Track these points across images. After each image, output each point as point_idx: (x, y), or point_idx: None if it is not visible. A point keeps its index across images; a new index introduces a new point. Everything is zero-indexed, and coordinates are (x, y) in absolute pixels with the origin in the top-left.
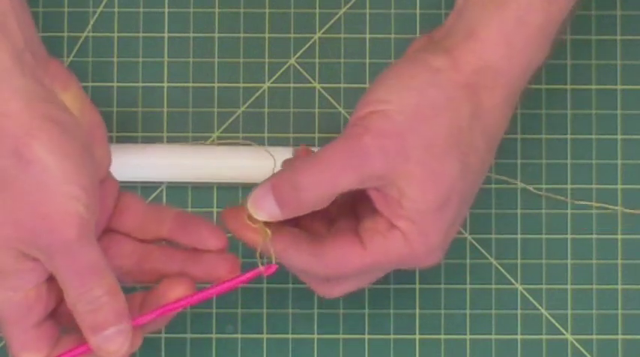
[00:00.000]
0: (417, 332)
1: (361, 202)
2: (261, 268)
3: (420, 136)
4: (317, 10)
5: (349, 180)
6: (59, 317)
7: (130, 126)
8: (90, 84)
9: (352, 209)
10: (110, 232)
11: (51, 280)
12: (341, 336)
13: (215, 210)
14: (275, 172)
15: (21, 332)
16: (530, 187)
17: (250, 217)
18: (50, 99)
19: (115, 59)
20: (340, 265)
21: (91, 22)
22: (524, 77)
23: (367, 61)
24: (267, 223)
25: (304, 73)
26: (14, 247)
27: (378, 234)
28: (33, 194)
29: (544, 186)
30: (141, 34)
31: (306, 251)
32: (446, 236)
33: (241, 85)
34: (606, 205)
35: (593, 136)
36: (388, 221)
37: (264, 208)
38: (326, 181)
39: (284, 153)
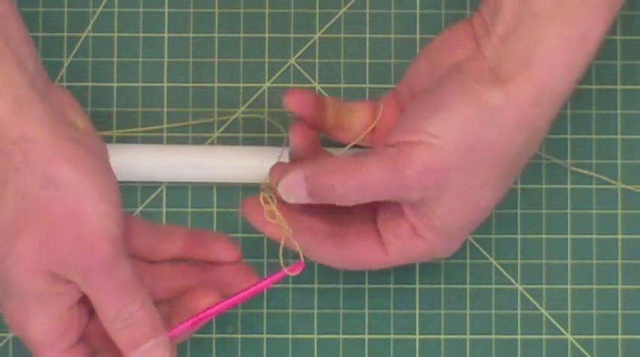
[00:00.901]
0: (417, 332)
1: None
2: (285, 270)
3: (465, 172)
4: (317, 10)
5: (383, 197)
6: (87, 340)
7: (129, 126)
8: (90, 84)
9: None
10: None
11: (80, 302)
12: (341, 336)
13: (215, 210)
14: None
15: None
16: (630, 187)
17: (269, 213)
18: (68, 121)
19: (115, 59)
20: (361, 264)
21: (91, 22)
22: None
23: (367, 61)
24: (285, 214)
25: (304, 73)
26: (48, 270)
27: (400, 240)
28: (66, 217)
29: (544, 186)
30: (141, 34)
31: (328, 248)
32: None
33: (241, 85)
34: (607, 181)
35: (593, 136)
36: (412, 228)
37: (294, 195)
38: (361, 193)
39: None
